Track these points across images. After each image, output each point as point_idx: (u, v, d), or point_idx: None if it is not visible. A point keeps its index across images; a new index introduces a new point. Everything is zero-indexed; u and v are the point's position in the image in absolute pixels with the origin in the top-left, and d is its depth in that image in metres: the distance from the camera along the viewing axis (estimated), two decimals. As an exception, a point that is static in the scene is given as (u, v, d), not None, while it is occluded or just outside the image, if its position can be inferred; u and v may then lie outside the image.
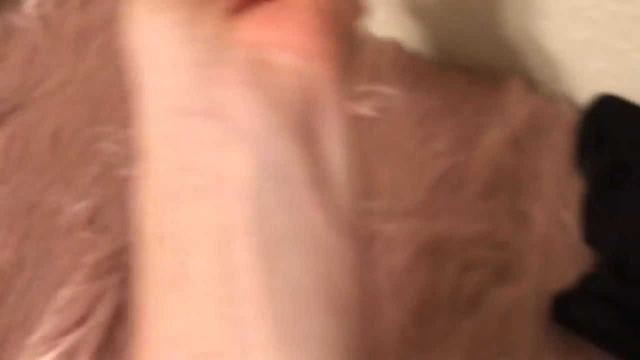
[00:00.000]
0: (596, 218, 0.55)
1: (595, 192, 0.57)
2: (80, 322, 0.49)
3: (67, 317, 0.49)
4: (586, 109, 0.61)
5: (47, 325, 0.49)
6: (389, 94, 0.63)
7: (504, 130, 0.58)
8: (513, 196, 0.55)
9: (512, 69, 0.65)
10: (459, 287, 0.50)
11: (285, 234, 0.23)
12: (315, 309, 0.23)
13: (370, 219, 0.53)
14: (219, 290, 0.22)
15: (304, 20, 0.26)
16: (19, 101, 0.63)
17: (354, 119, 0.62)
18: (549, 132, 0.59)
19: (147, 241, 0.25)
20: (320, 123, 0.25)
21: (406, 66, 0.66)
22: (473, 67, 0.67)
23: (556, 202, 0.54)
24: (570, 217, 0.54)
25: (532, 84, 0.64)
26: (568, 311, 0.49)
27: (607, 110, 0.61)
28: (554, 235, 0.53)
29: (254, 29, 0.25)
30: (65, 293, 0.50)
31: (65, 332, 0.48)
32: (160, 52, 0.24)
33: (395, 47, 0.67)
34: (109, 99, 0.62)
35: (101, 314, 0.49)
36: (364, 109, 0.63)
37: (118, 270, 0.51)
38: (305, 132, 0.24)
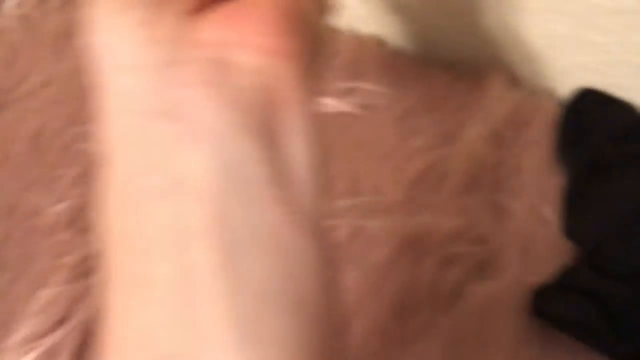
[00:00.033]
0: (576, 212, 0.55)
1: (576, 186, 0.57)
2: (60, 322, 0.49)
3: (48, 318, 0.49)
4: (567, 103, 0.61)
5: (27, 326, 0.49)
6: (371, 91, 0.63)
7: (484, 125, 0.58)
8: (493, 191, 0.55)
9: (493, 64, 0.65)
10: (438, 282, 0.50)
11: (247, 234, 0.23)
12: (278, 309, 0.23)
13: (352, 216, 0.54)
14: (180, 292, 0.22)
15: (266, 19, 0.26)
16: (-1, 101, 0.63)
17: (337, 116, 0.62)
18: (530, 127, 0.59)
19: (113, 243, 0.25)
20: (283, 122, 0.25)
21: (388, 63, 0.66)
22: (455, 63, 0.67)
23: (536, 197, 0.54)
24: (550, 212, 0.54)
25: (513, 79, 0.64)
26: (547, 305, 0.49)
27: (588, 104, 0.61)
28: (533, 230, 0.53)
29: (216, 28, 0.25)
30: (45, 294, 0.50)
31: (45, 333, 0.49)
32: (120, 53, 0.24)
33: (378, 44, 0.67)
34: (90, 99, 0.62)
35: (81, 315, 0.49)
36: (346, 105, 0.63)
37: (98, 271, 0.51)
38: (266, 132, 0.24)
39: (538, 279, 0.50)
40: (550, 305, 0.49)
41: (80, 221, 0.54)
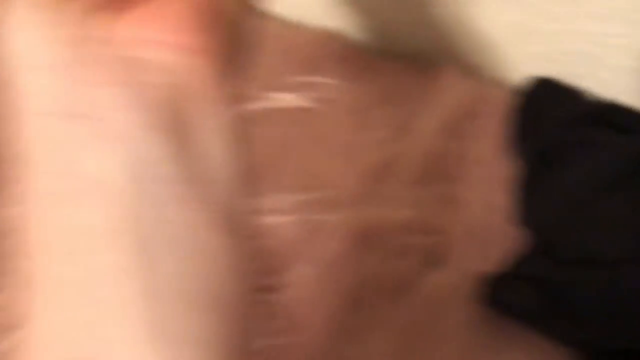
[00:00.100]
0: (531, 200, 0.56)
1: (529, 174, 0.57)
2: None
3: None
4: (521, 92, 0.61)
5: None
6: (327, 84, 0.63)
7: (438, 117, 0.58)
8: (446, 182, 0.55)
9: (448, 55, 0.65)
10: (391, 274, 0.50)
11: (161, 235, 0.23)
12: (194, 308, 0.23)
13: (305, 211, 0.54)
14: (90, 294, 0.22)
15: (181, 16, 0.25)
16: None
17: (292, 110, 0.62)
18: (483, 117, 0.59)
19: (33, 247, 0.24)
20: (197, 120, 0.25)
21: (343, 56, 0.66)
22: (410, 54, 0.67)
23: (489, 186, 0.55)
24: (503, 201, 0.54)
25: (467, 70, 0.64)
26: (499, 294, 0.49)
27: (542, 93, 0.62)
28: (486, 219, 0.53)
29: (130, 27, 0.25)
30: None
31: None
32: (30, 52, 0.24)
33: (332, 37, 0.67)
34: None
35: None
36: (302, 100, 0.63)
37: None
38: (179, 129, 0.24)
39: (490, 268, 0.50)
40: (502, 294, 0.49)
41: None
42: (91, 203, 0.23)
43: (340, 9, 0.67)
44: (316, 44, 0.66)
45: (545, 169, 0.57)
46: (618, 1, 0.58)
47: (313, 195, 0.55)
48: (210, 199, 0.24)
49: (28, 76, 0.24)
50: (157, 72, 0.24)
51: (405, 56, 0.66)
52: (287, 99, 0.63)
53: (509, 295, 0.50)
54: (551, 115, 0.61)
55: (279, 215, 0.52)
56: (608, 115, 0.60)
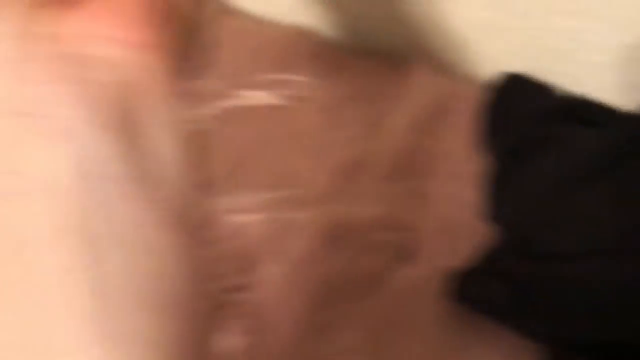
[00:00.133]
0: (501, 195, 0.56)
1: (501, 170, 0.57)
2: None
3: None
4: (492, 87, 0.61)
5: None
6: (298, 82, 0.63)
7: (409, 113, 0.58)
8: (416, 178, 0.55)
9: (420, 52, 0.65)
10: (361, 270, 0.50)
11: (109, 234, 0.23)
12: (143, 306, 0.23)
13: (275, 209, 0.53)
14: (34, 296, 0.22)
15: (130, 13, 0.25)
16: None
17: (263, 108, 0.62)
18: (454, 113, 0.59)
19: None
20: (146, 117, 0.24)
21: (315, 53, 0.65)
22: (382, 51, 0.66)
23: (459, 182, 0.55)
24: (473, 196, 0.54)
25: (439, 66, 0.64)
26: (468, 289, 0.49)
27: (513, 88, 0.62)
28: (455, 215, 0.53)
29: (80, 23, 0.25)
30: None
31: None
32: None
33: (304, 34, 0.67)
34: None
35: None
36: (274, 97, 0.63)
37: None
38: (127, 127, 0.24)
39: (459, 264, 0.50)
40: (471, 290, 0.49)
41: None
42: (36, 201, 0.22)
43: (313, 6, 0.67)
44: (287, 41, 0.65)
45: (516, 165, 0.57)
46: (587, -3, 0.58)
47: (282, 194, 0.55)
48: (160, 197, 0.24)
49: None
50: (105, 69, 0.24)
51: (376, 53, 0.66)
52: (258, 97, 0.62)
53: (477, 290, 0.50)
54: (521, 110, 0.61)
55: (248, 214, 0.52)
56: (578, 111, 0.60)
